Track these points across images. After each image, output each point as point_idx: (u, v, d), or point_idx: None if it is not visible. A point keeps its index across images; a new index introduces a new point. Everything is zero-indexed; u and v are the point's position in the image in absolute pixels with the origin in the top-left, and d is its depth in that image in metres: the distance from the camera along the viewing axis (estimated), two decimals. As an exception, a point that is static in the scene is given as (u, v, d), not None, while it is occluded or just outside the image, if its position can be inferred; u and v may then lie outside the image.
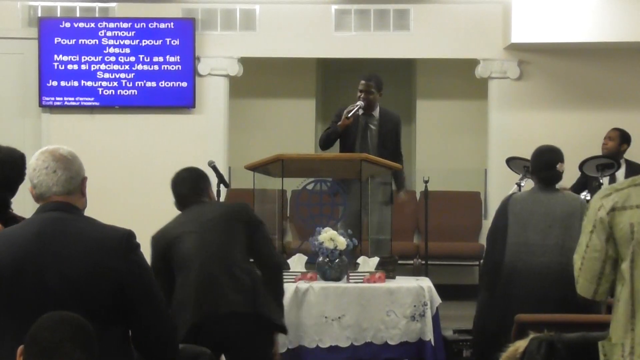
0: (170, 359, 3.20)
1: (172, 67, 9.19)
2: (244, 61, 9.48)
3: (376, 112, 7.25)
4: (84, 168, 3.22)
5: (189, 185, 4.73)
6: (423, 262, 7.61)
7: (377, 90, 7.18)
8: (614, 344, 2.90)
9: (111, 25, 9.19)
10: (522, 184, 7.38)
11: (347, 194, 6.63)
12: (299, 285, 5.79)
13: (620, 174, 7.93)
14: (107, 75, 9.18)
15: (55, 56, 9.16)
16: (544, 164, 5.22)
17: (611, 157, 7.91)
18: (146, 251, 4.02)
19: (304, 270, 5.94)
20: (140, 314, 3.06)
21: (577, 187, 7.82)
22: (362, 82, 7.19)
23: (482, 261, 9.03)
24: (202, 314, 4.30)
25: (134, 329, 3.08)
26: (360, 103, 7.06)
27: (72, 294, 2.93)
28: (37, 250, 2.99)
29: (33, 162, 3.15)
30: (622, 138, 8.42)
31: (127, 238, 3.07)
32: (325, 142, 7.21)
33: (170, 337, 3.17)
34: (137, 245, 3.11)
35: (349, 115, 6.96)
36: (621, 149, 8.40)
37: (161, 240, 4.51)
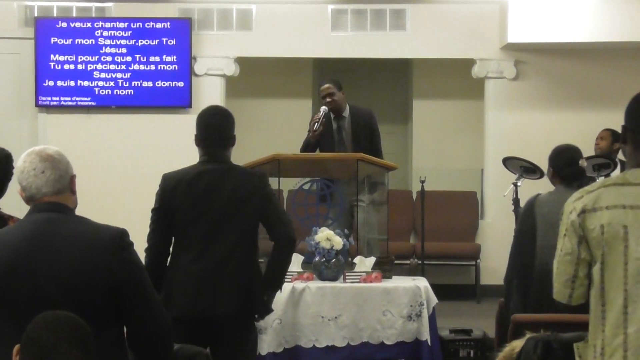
0: (165, 359, 3.19)
1: (169, 67, 9.19)
2: (241, 61, 9.48)
3: (346, 113, 7.20)
4: (71, 166, 3.19)
5: (218, 135, 4.55)
6: (419, 261, 7.62)
7: (339, 90, 7.14)
8: (588, 345, 2.92)
9: (107, 25, 9.19)
10: (518, 184, 7.38)
11: (343, 194, 6.63)
12: (295, 285, 5.79)
13: (616, 173, 7.94)
14: (103, 75, 9.18)
15: (52, 56, 9.15)
16: (566, 161, 5.17)
17: (606, 156, 7.92)
18: (142, 246, 4.02)
19: (301, 270, 5.94)
20: (135, 314, 3.04)
21: (574, 188, 7.83)
22: (322, 87, 7.19)
23: (480, 262, 9.09)
24: (197, 312, 4.26)
25: (128, 328, 3.07)
26: (324, 108, 7.06)
27: (65, 294, 2.92)
28: (29, 251, 2.98)
29: (20, 165, 3.12)
30: (614, 137, 8.42)
31: (119, 237, 3.05)
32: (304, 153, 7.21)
33: (165, 337, 3.16)
34: (130, 244, 3.08)
35: (317, 123, 6.95)
36: (613, 147, 8.41)
37: (171, 183, 4.35)
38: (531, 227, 5.10)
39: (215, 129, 4.54)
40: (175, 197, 4.30)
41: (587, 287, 2.96)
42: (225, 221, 4.29)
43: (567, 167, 5.16)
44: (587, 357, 2.93)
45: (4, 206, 4.20)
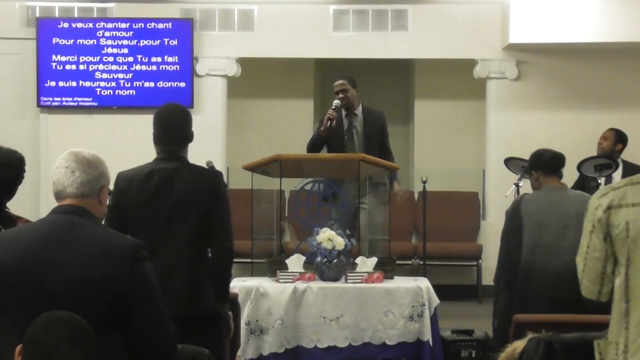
0: None
1: (170, 68, 9.19)
2: (242, 61, 9.48)
3: (359, 111, 7.23)
4: (106, 176, 3.19)
5: (174, 133, 4.38)
6: (421, 262, 7.62)
7: (352, 87, 7.17)
8: (609, 342, 2.92)
9: (109, 25, 9.19)
10: (520, 184, 7.37)
11: (345, 195, 6.63)
12: (297, 285, 5.79)
13: (617, 174, 7.93)
14: (105, 76, 9.19)
15: (54, 56, 9.16)
16: (543, 154, 5.25)
17: (607, 157, 7.92)
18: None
19: (302, 270, 5.94)
20: (140, 325, 3.02)
21: (576, 188, 7.82)
22: (336, 83, 7.21)
23: (482, 262, 9.09)
24: None
25: (132, 339, 3.05)
26: (337, 102, 7.06)
27: (70, 297, 2.91)
28: (41, 251, 2.97)
29: (57, 160, 3.13)
30: (617, 138, 8.42)
31: (134, 248, 3.04)
32: (311, 149, 7.20)
33: (169, 351, 3.14)
34: (145, 257, 3.07)
35: (330, 118, 6.95)
36: (616, 148, 8.40)
37: (124, 181, 4.28)
38: (517, 226, 5.13)
39: (172, 127, 4.39)
40: (128, 195, 4.25)
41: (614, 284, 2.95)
42: (176, 220, 4.22)
43: (544, 157, 5.22)
44: (609, 354, 2.91)
45: (10, 207, 4.21)
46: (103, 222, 4.16)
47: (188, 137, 4.44)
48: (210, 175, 4.41)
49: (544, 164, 5.25)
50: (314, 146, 7.16)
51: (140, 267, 3.03)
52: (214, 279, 4.26)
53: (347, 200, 6.64)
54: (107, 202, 4.03)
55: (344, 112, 7.14)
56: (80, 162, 3.11)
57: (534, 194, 5.31)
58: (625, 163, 8.34)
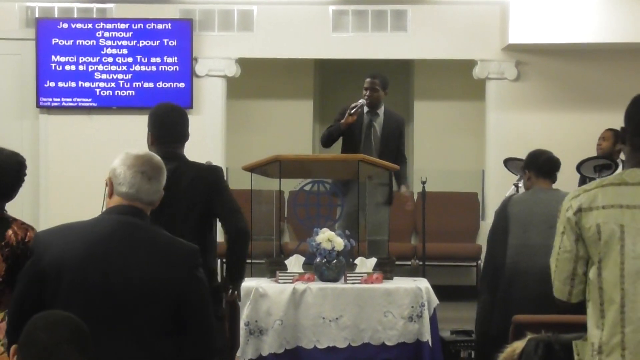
0: None
1: (170, 68, 9.19)
2: (242, 62, 9.48)
3: (380, 111, 7.28)
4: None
5: (174, 132, 4.48)
6: (421, 263, 7.61)
7: (382, 89, 7.23)
8: (586, 343, 2.94)
9: (109, 26, 9.19)
10: (519, 185, 7.37)
11: (345, 195, 6.63)
12: (296, 286, 5.79)
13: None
14: (104, 76, 9.19)
15: (53, 57, 9.16)
16: (539, 156, 5.27)
17: (607, 157, 7.91)
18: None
19: (302, 271, 5.94)
20: (190, 331, 3.03)
21: (576, 189, 7.82)
22: (368, 79, 7.27)
23: (481, 263, 9.09)
24: None
25: (179, 343, 3.04)
26: (362, 101, 7.10)
27: (133, 298, 2.93)
28: (105, 250, 2.98)
29: (129, 158, 3.09)
30: (616, 138, 8.40)
31: (194, 253, 3.07)
32: (327, 140, 7.21)
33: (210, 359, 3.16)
34: (201, 263, 3.09)
35: (352, 112, 6.99)
36: (615, 148, 8.39)
37: None
38: (503, 226, 5.14)
39: (171, 125, 4.48)
40: None
41: (586, 285, 2.97)
42: (179, 218, 4.29)
43: (539, 159, 5.23)
44: (585, 355, 2.94)
45: (10, 207, 4.21)
46: None
47: (186, 135, 4.52)
48: (210, 171, 4.50)
49: (537, 166, 5.26)
50: (329, 137, 7.18)
51: (199, 272, 3.07)
52: (231, 259, 4.45)
53: (346, 200, 6.64)
54: None
55: (365, 109, 7.16)
56: (155, 169, 3.12)
57: (521, 194, 5.34)
58: (624, 163, 8.33)
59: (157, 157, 3.17)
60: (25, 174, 3.99)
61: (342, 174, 6.65)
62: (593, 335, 2.90)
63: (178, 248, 3.06)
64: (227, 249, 4.47)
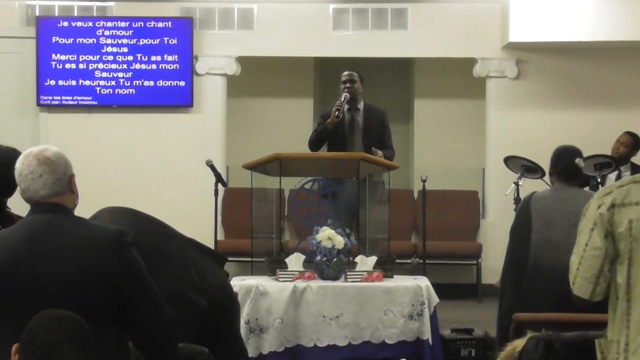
0: (170, 357, 3.19)
1: (170, 66, 9.19)
2: (242, 60, 9.48)
3: (360, 106, 7.29)
4: (71, 165, 3.18)
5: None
6: (421, 261, 7.61)
7: (360, 82, 7.25)
8: (610, 341, 2.91)
9: (109, 24, 9.19)
10: (520, 183, 7.38)
11: (344, 193, 6.63)
12: (296, 284, 5.79)
13: (615, 174, 7.92)
14: (105, 75, 9.18)
15: (53, 55, 9.16)
16: (562, 160, 5.23)
17: (617, 160, 7.90)
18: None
19: (302, 269, 5.94)
20: (137, 313, 3.05)
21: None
22: (345, 73, 7.30)
23: (481, 261, 9.09)
24: None
25: (132, 327, 3.08)
26: (346, 94, 7.10)
27: (65, 293, 2.94)
28: (30, 252, 2.99)
29: (19, 167, 3.13)
30: (635, 145, 8.37)
31: (118, 236, 3.06)
32: (315, 143, 7.21)
33: (169, 335, 3.15)
34: (130, 243, 3.09)
35: (338, 107, 6.99)
36: (631, 155, 8.39)
37: None
38: (526, 222, 5.13)
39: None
40: None
41: (608, 284, 2.94)
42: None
43: (560, 165, 5.21)
44: (610, 353, 2.91)
45: (10, 205, 4.21)
46: None
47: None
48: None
49: (558, 170, 5.23)
50: (317, 140, 7.18)
51: (128, 254, 3.06)
52: None
53: (346, 199, 6.63)
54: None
55: (346, 107, 7.16)
56: (44, 163, 3.11)
57: (543, 191, 5.31)
58: (634, 165, 8.33)
59: (46, 150, 3.12)
60: None
61: (343, 172, 6.65)
62: (618, 332, 2.88)
63: (100, 234, 3.06)
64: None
